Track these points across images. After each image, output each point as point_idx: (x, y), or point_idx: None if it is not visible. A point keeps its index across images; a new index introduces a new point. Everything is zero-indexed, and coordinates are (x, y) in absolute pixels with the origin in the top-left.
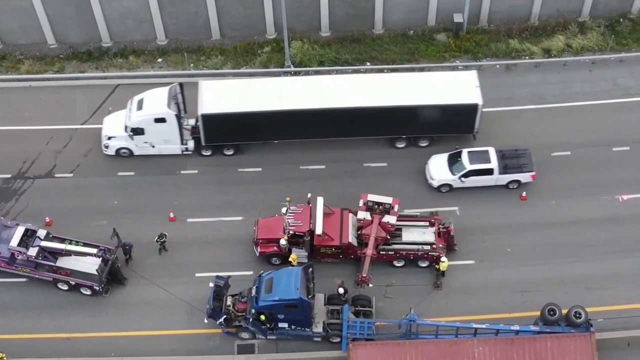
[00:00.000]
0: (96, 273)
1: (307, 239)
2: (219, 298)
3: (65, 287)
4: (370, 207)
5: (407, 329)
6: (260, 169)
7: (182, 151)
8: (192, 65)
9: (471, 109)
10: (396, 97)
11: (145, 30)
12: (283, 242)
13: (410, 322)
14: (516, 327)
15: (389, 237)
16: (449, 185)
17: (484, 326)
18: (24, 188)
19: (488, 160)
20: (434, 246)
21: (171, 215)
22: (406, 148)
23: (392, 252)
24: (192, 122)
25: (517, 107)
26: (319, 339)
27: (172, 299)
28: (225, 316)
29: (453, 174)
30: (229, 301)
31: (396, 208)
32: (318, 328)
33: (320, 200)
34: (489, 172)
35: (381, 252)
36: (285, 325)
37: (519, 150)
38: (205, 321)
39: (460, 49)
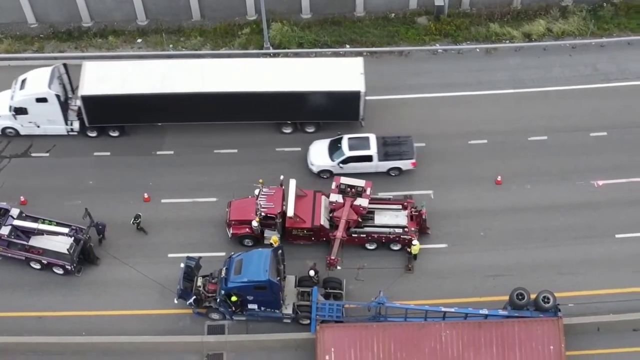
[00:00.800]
0: (68, 252)
1: (278, 221)
2: (190, 279)
3: (37, 266)
4: (342, 190)
5: (376, 311)
6: (236, 151)
7: (68, 132)
8: (171, 46)
9: (354, 96)
10: (279, 82)
11: (125, 10)
12: (255, 223)
13: (379, 304)
14: (485, 311)
15: (360, 220)
16: (329, 172)
17: (452, 310)
18: (0, 167)
19: (367, 147)
20: (406, 229)
21: (145, 195)
22: (293, 134)
23: (364, 235)
24: (79, 103)
25: (496, 91)
26: (288, 321)
27: (144, 279)
28: (194, 297)
29: (332, 160)
30: (200, 282)
31: (368, 191)
32: (288, 310)
33: (292, 183)
34: (368, 158)
35: (353, 235)
36: (255, 306)
37: (401, 137)
38: (176, 301)
39: (440, 32)
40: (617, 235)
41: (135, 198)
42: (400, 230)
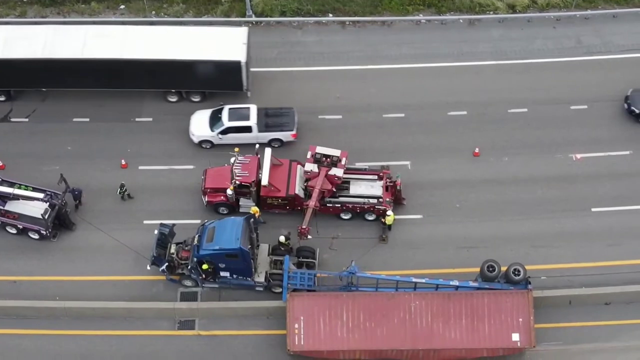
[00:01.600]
0: (42, 218)
1: (253, 189)
2: (164, 246)
3: (13, 231)
4: (317, 160)
5: (347, 281)
6: None
7: None
8: (153, 12)
9: (235, 66)
10: (161, 50)
11: None
12: (229, 191)
13: (350, 274)
14: (455, 283)
15: (334, 190)
16: (210, 142)
17: (423, 280)
18: None
19: (247, 118)
20: (380, 200)
21: (123, 162)
22: (179, 102)
23: (339, 205)
24: None
25: (478, 63)
26: (261, 289)
27: (119, 245)
28: (167, 263)
29: (212, 130)
30: (173, 249)
31: (344, 161)
32: (260, 278)
33: (268, 152)
34: (248, 129)
35: (328, 205)
36: (227, 274)
37: (283, 109)
38: (148, 268)
39: (424, 2)
40: (593, 209)
41: (112, 165)
42: (375, 201)
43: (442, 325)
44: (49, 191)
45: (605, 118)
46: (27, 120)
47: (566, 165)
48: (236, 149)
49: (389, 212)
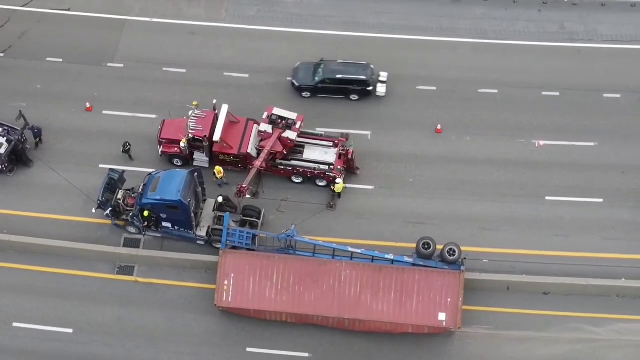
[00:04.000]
0: (2, 152)
1: (205, 144)
2: (113, 191)
3: None
4: (273, 121)
5: (286, 244)
6: (185, 71)
7: None
8: None
9: None
10: None
11: None
12: (182, 144)
13: (288, 237)
14: (391, 257)
15: (285, 152)
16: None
17: (359, 251)
18: None
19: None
20: (331, 167)
21: (88, 105)
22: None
23: (290, 168)
24: None
25: (455, 39)
26: (202, 243)
27: (72, 186)
28: (111, 208)
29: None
30: (120, 195)
31: (298, 125)
32: (202, 232)
33: (224, 108)
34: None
35: (280, 167)
36: (169, 225)
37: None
38: (94, 211)
39: None
40: (547, 198)
41: (78, 106)
42: (326, 167)
43: (371, 297)
44: (7, 126)
45: (575, 107)
46: (2, 55)
47: (528, 151)
48: (194, 103)
49: (339, 180)
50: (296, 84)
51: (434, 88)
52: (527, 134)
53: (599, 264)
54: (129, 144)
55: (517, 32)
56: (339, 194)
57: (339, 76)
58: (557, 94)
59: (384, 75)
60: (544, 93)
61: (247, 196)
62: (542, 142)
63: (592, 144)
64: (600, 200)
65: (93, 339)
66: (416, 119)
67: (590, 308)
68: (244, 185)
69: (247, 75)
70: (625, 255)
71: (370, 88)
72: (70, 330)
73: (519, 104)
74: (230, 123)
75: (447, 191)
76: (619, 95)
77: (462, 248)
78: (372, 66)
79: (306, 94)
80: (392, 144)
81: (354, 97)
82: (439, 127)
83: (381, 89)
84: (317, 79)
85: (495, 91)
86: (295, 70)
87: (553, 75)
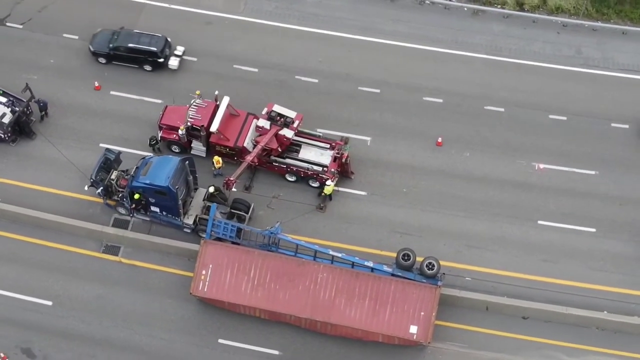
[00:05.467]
0: (5, 122)
1: (203, 133)
2: (108, 170)
3: None
4: (272, 117)
5: (269, 240)
6: (195, 59)
7: None
8: None
9: None
10: None
11: None
12: (180, 131)
13: (271, 234)
14: (370, 264)
15: (280, 150)
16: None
17: (340, 255)
18: None
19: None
20: (325, 169)
21: (96, 84)
22: None
23: (285, 166)
24: None
25: (469, 54)
26: (188, 231)
27: (70, 162)
28: (102, 187)
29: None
30: (114, 175)
31: (296, 124)
32: (189, 220)
33: (225, 100)
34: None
35: (274, 164)
36: (157, 210)
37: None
38: (86, 188)
39: None
40: (539, 222)
41: (87, 85)
42: (320, 169)
43: (345, 302)
44: (13, 97)
45: (581, 133)
46: (21, 27)
47: (526, 173)
48: (197, 92)
49: (329, 182)
50: (92, 49)
51: (441, 100)
52: (528, 156)
53: (583, 293)
54: (156, 139)
55: (532, 53)
56: (330, 196)
57: (130, 45)
58: (564, 118)
59: (180, 50)
60: (551, 116)
61: (234, 189)
62: (542, 166)
63: (592, 172)
64: (594, 230)
65: (71, 313)
66: (418, 130)
67: (568, 337)
68: (231, 179)
69: (256, 70)
70: (611, 288)
71: (162, 60)
72: (49, 303)
73: (524, 124)
74: (230, 115)
75: (439, 205)
76: (627, 126)
77: (447, 264)
78: (168, 39)
79: (102, 60)
80: (390, 152)
81: (147, 67)
82: (439, 139)
83: (173, 62)
84: (111, 45)
85: (502, 109)
86: (94, 35)
87: (562, 99)
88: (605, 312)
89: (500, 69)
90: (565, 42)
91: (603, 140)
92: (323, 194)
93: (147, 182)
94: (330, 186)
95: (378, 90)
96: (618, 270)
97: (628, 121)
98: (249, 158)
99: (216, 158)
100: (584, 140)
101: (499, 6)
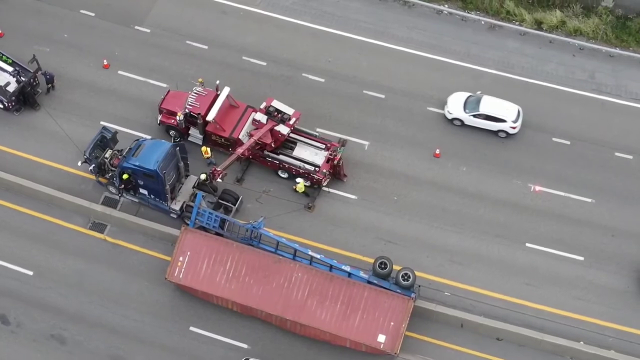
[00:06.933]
0: (9, 91)
1: (199, 121)
2: (104, 148)
3: None
4: (269, 112)
5: (252, 234)
6: (206, 47)
7: None
8: None
9: None
10: None
11: None
12: (178, 117)
13: (253, 228)
14: (347, 268)
15: (274, 145)
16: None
17: (318, 256)
18: None
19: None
20: (317, 169)
21: (105, 62)
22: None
23: (277, 162)
24: None
25: (479, 68)
26: (174, 216)
27: (70, 136)
28: (95, 165)
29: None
30: (109, 154)
31: (293, 120)
32: (176, 206)
33: (225, 90)
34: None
35: (267, 159)
36: (146, 192)
37: None
38: (79, 164)
39: None
40: (527, 244)
41: (96, 62)
42: (311, 168)
43: (317, 303)
44: (21, 67)
45: (583, 159)
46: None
47: (521, 194)
48: (200, 79)
49: (299, 180)
50: None
51: (444, 112)
52: (525, 177)
53: (562, 321)
54: (178, 136)
55: (544, 73)
56: (307, 194)
57: None
58: (568, 142)
59: None
60: (554, 139)
61: (225, 180)
62: (538, 188)
63: (589, 200)
64: (581, 258)
65: (50, 285)
66: (418, 139)
67: None
68: (218, 169)
69: (264, 64)
70: (591, 319)
71: None
72: (30, 273)
73: (525, 144)
74: (230, 106)
75: (428, 217)
76: (630, 157)
77: (428, 276)
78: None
79: None
80: (386, 158)
81: None
82: (437, 151)
83: None
84: None
85: None
86: None
87: (569, 123)
88: (582, 342)
89: (509, 86)
90: (579, 66)
91: (604, 168)
92: (294, 189)
93: (137, 164)
94: (300, 183)
95: (383, 96)
96: (600, 302)
97: (633, 152)
98: (239, 150)
99: (204, 148)
100: (584, 166)
101: (517, 23)
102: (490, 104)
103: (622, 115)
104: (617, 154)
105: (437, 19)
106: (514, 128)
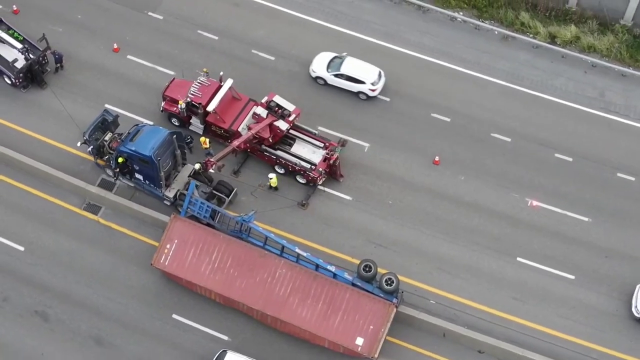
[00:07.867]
0: (17, 67)
1: (200, 111)
2: (104, 131)
3: None
4: (270, 107)
5: (242, 227)
6: (217, 38)
7: None
8: None
9: None
10: None
11: None
12: (180, 106)
13: (243, 221)
14: (333, 269)
15: (272, 140)
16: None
17: (305, 254)
18: None
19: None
20: (313, 167)
21: (115, 46)
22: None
23: (274, 157)
24: None
25: (487, 77)
26: (168, 203)
27: (73, 117)
28: (93, 146)
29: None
30: (108, 136)
31: (292, 117)
32: (170, 193)
33: (228, 82)
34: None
35: (265, 153)
36: (141, 178)
37: None
38: (78, 145)
39: (470, 1)
40: (518, 259)
41: (107, 45)
42: (307, 166)
43: (298, 301)
44: (30, 44)
45: (584, 177)
46: None
47: (517, 207)
48: (205, 69)
49: (271, 175)
50: None
51: (448, 119)
52: (523, 191)
53: (546, 339)
54: (191, 138)
55: (553, 87)
56: (275, 188)
57: None
58: (570, 159)
59: None
60: (557, 155)
61: (212, 170)
62: (535, 203)
63: (586, 218)
64: (572, 277)
65: (39, 262)
66: (419, 145)
67: None
68: (211, 160)
69: (273, 58)
70: (575, 339)
71: None
72: (22, 248)
73: (527, 158)
74: (232, 98)
75: (421, 223)
76: (633, 179)
77: (415, 283)
78: None
79: None
80: (385, 161)
81: None
82: (437, 158)
83: None
84: None
85: (508, 139)
86: None
87: (573, 140)
88: None
89: (515, 98)
90: (590, 83)
91: (605, 188)
92: (268, 185)
93: (133, 148)
94: (273, 178)
95: (388, 99)
96: (587, 322)
97: (635, 174)
98: (235, 143)
99: (202, 139)
100: (584, 184)
101: (531, 35)
102: (351, 66)
103: (628, 135)
104: (619, 174)
105: (450, 26)
106: (373, 90)
